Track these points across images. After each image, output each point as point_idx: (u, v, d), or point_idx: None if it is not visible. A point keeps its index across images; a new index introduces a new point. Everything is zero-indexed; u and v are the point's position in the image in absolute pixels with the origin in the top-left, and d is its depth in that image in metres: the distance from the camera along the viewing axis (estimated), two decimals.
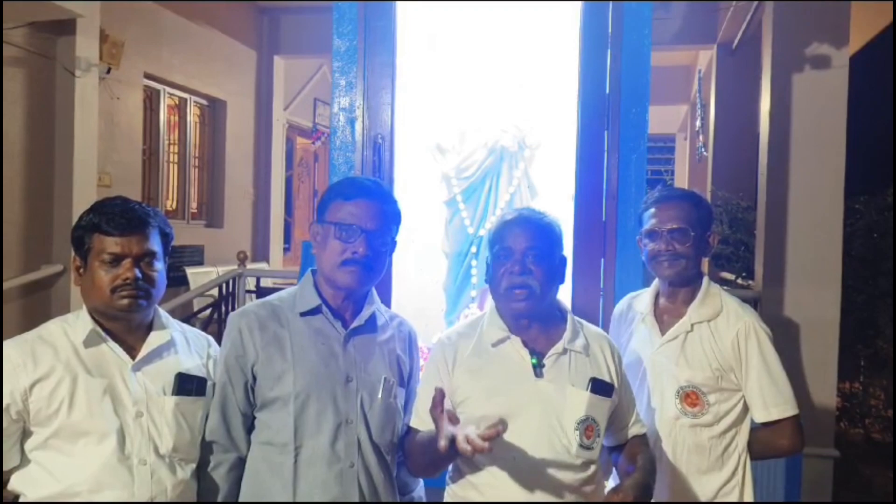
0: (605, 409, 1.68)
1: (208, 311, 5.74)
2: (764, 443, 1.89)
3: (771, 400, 1.84)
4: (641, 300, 2.05)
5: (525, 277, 1.66)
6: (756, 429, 1.90)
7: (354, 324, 1.72)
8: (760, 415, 1.86)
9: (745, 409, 1.89)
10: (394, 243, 1.76)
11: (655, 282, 2.03)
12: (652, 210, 1.97)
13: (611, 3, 2.35)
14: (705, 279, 1.97)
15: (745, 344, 1.86)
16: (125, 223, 1.58)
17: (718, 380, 1.86)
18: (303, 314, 1.71)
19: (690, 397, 1.86)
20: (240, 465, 1.67)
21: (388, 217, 1.73)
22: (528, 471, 1.60)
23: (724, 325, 1.89)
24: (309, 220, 9.84)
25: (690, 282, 1.95)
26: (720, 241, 5.07)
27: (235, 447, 1.66)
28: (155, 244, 1.63)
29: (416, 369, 1.83)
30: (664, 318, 1.97)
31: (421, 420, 1.70)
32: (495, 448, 1.59)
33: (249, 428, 1.68)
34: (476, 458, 1.55)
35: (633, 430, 1.77)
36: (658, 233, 1.93)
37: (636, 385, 1.94)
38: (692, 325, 1.90)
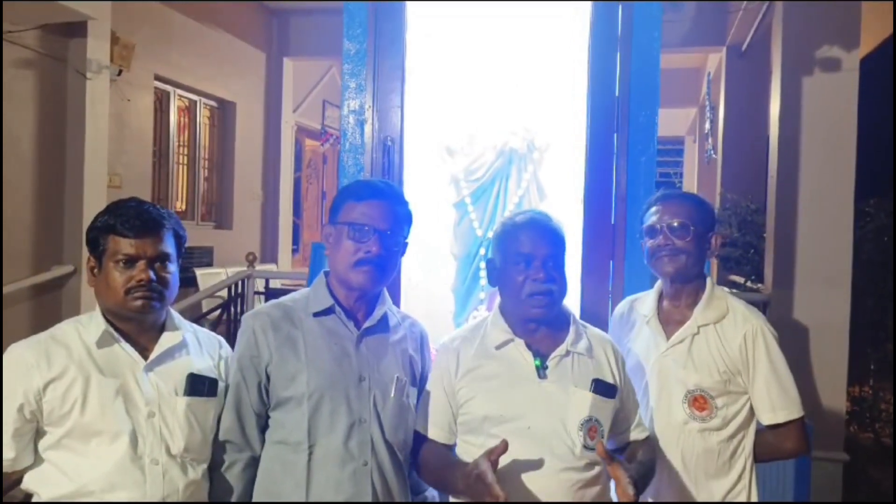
0: (608, 409, 1.69)
1: (217, 312, 5.76)
2: (769, 445, 1.88)
3: (778, 402, 1.83)
4: (644, 302, 2.03)
5: (550, 284, 1.67)
6: (761, 431, 1.89)
7: (367, 324, 1.73)
8: (767, 417, 1.85)
9: (752, 411, 1.88)
10: (405, 244, 1.78)
11: (658, 283, 2.02)
12: (653, 208, 1.96)
13: (620, 5, 2.35)
14: (709, 281, 1.95)
15: (753, 346, 1.85)
16: (140, 225, 1.60)
17: (726, 383, 1.84)
18: (316, 314, 1.72)
19: (699, 401, 1.85)
20: (254, 464, 1.68)
21: (400, 218, 1.75)
22: (532, 472, 1.61)
23: (730, 327, 1.87)
24: (318, 221, 9.87)
25: (692, 280, 1.93)
26: (729, 243, 5.05)
27: (249, 447, 1.68)
28: (169, 246, 1.65)
29: (427, 369, 1.84)
30: (669, 321, 1.95)
31: (436, 428, 1.72)
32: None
33: (263, 427, 1.70)
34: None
35: (636, 434, 1.78)
36: (658, 229, 1.92)
37: (640, 388, 1.94)
38: (698, 328, 1.88)
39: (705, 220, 1.94)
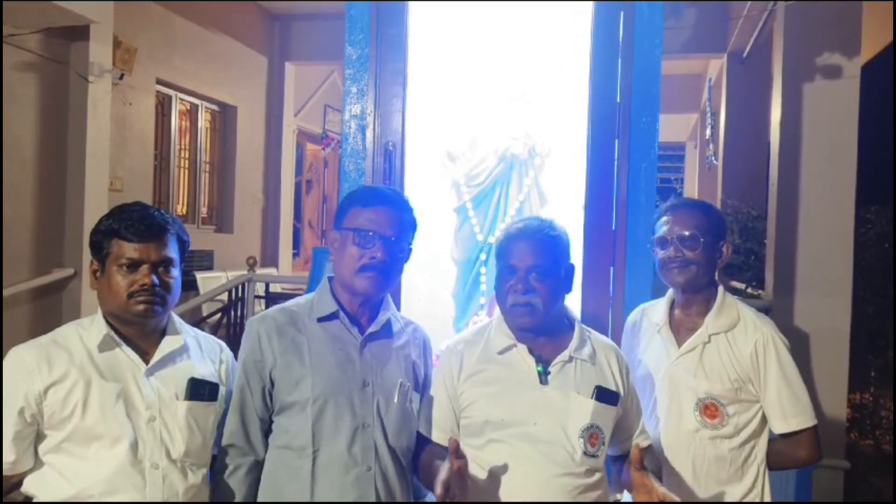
0: (609, 417, 1.69)
1: (217, 316, 5.77)
2: (782, 454, 1.88)
3: (790, 411, 1.83)
4: (656, 311, 2.03)
5: (528, 296, 1.67)
6: (774, 440, 1.89)
7: (371, 329, 1.74)
8: (780, 426, 1.85)
9: (764, 419, 1.88)
10: (410, 251, 1.79)
11: (669, 292, 2.02)
12: (663, 218, 1.97)
13: (622, 11, 2.36)
14: (720, 289, 1.95)
15: (764, 355, 1.85)
16: (144, 230, 1.60)
17: (737, 391, 1.85)
18: (320, 320, 1.73)
19: (710, 409, 1.85)
20: (257, 468, 1.69)
21: (405, 225, 1.76)
22: (532, 477, 1.61)
23: (741, 335, 1.88)
24: (318, 225, 9.87)
25: (702, 290, 1.94)
26: None
27: (253, 451, 1.69)
28: (172, 251, 1.65)
29: (430, 374, 1.85)
30: (680, 329, 1.96)
31: (438, 431, 1.73)
32: (502, 456, 1.61)
33: (267, 432, 1.71)
34: (480, 464, 1.62)
35: (639, 441, 1.77)
36: (668, 240, 1.93)
37: (652, 397, 1.94)
38: (709, 337, 1.89)
39: (715, 230, 1.94)
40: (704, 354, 1.88)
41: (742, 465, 1.86)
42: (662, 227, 1.95)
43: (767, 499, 1.87)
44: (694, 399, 1.86)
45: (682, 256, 1.90)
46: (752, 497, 1.86)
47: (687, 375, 1.88)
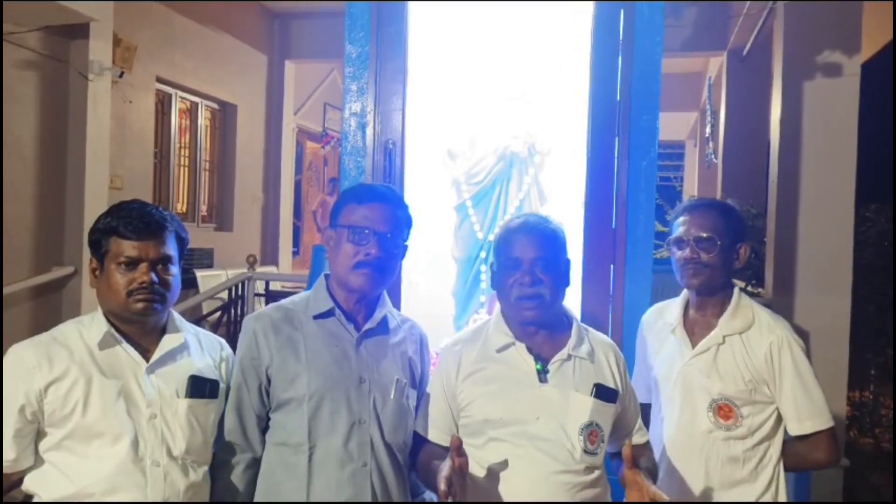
0: (609, 414, 1.69)
1: (218, 314, 5.77)
2: (799, 456, 1.88)
3: (805, 413, 1.83)
4: (671, 311, 2.03)
5: (536, 288, 1.68)
6: (790, 441, 1.88)
7: (367, 326, 1.75)
8: (795, 428, 1.84)
9: (779, 420, 1.87)
10: (405, 248, 1.80)
11: (685, 292, 2.01)
12: (681, 219, 1.96)
13: (622, 9, 2.36)
14: (736, 290, 1.94)
15: (779, 356, 1.84)
16: (143, 227, 1.60)
17: (751, 392, 1.84)
18: (316, 317, 1.74)
19: (723, 410, 1.84)
20: (255, 465, 1.70)
21: (400, 221, 1.76)
22: (532, 476, 1.61)
23: (756, 337, 1.87)
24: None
25: (717, 292, 1.93)
26: None
27: (251, 448, 1.69)
28: (171, 249, 1.65)
29: (427, 371, 1.86)
30: (694, 329, 1.95)
31: (435, 430, 1.74)
32: (502, 455, 1.61)
33: (264, 429, 1.71)
34: (479, 462, 1.62)
35: (636, 438, 1.79)
36: (685, 241, 1.92)
37: (667, 397, 1.94)
38: (724, 338, 1.88)
39: (733, 232, 1.93)
40: (718, 355, 1.87)
41: (756, 467, 1.85)
42: (679, 228, 1.94)
43: (782, 499, 1.86)
44: (707, 400, 1.86)
45: (697, 258, 1.89)
46: (767, 498, 1.85)
47: (700, 376, 1.87)
